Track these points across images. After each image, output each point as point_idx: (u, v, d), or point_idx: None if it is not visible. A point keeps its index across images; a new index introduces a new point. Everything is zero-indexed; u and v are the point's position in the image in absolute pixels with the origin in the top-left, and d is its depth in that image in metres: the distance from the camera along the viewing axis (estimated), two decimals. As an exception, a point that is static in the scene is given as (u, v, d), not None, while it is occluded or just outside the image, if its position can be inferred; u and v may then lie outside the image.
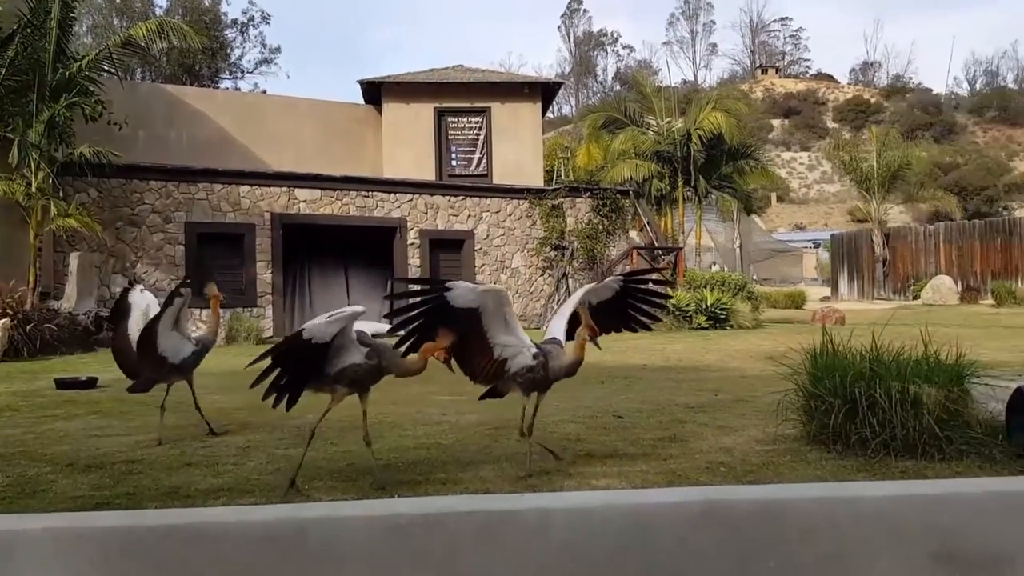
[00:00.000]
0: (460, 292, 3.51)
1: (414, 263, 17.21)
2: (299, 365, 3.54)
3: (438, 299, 3.54)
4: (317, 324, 3.51)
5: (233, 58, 42.01)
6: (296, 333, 3.56)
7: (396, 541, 2.66)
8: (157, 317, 4.64)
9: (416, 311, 3.57)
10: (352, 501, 3.21)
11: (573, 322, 3.91)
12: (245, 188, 15.91)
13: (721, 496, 2.80)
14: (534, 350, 3.74)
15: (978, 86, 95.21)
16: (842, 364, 4.01)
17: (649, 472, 3.64)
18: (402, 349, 3.66)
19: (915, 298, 27.22)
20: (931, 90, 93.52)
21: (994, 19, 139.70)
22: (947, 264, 30.37)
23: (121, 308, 5.07)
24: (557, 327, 4.00)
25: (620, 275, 4.27)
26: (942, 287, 25.56)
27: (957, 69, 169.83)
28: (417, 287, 3.92)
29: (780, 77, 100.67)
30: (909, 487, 3.02)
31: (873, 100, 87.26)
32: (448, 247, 17.67)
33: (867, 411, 3.82)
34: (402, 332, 3.66)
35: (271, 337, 14.81)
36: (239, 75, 42.17)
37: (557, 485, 3.47)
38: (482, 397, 4.00)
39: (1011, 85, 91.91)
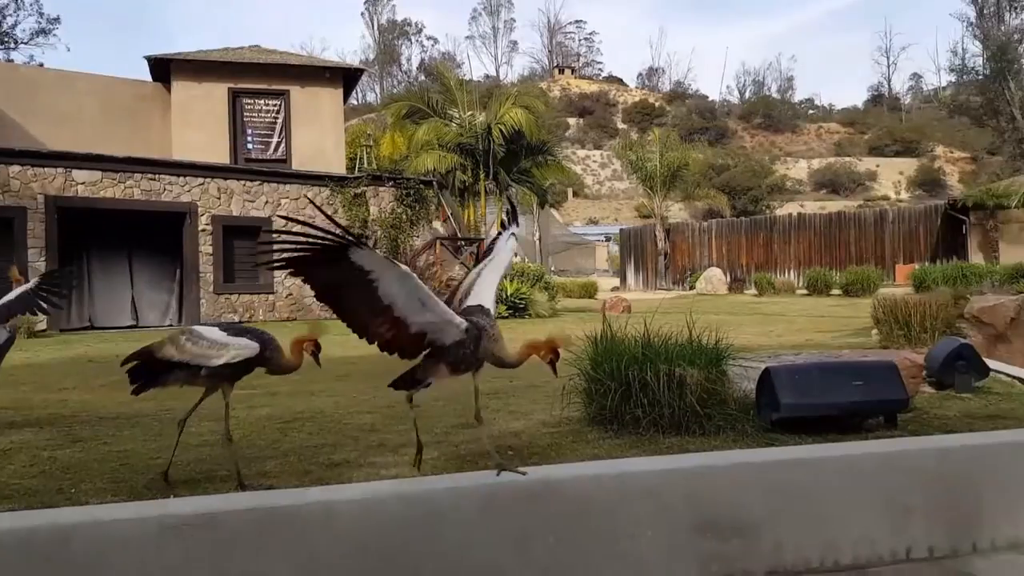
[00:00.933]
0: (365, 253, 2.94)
1: (206, 251, 16.29)
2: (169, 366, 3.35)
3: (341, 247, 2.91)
4: (203, 354, 3.28)
5: (5, 27, 37.32)
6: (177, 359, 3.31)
7: (169, 543, 2.55)
8: None
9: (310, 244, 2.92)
10: (120, 503, 3.01)
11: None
12: (16, 168, 14.47)
13: (503, 480, 2.93)
14: (464, 324, 3.15)
15: (747, 94, 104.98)
16: (618, 350, 4.33)
17: (440, 459, 3.72)
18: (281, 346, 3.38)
19: (691, 288, 29.66)
20: (707, 97, 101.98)
21: (762, 32, 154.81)
22: (718, 257, 33.36)
23: None
24: (487, 294, 3.38)
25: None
26: (713, 278, 28.04)
27: (730, 78, 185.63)
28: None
29: (576, 78, 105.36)
30: (670, 462, 3.32)
31: (657, 104, 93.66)
32: (243, 234, 16.89)
33: (639, 392, 4.16)
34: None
35: (45, 331, 13.43)
36: (12, 46, 37.56)
37: (345, 477, 3.45)
38: (394, 385, 3.60)
39: (775, 95, 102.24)
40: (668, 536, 3.10)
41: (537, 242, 42.59)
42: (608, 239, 55.68)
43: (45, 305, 4.72)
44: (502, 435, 4.28)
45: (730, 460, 3.37)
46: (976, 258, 25.10)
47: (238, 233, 16.81)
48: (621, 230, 41.74)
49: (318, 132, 20.41)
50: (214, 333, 3.35)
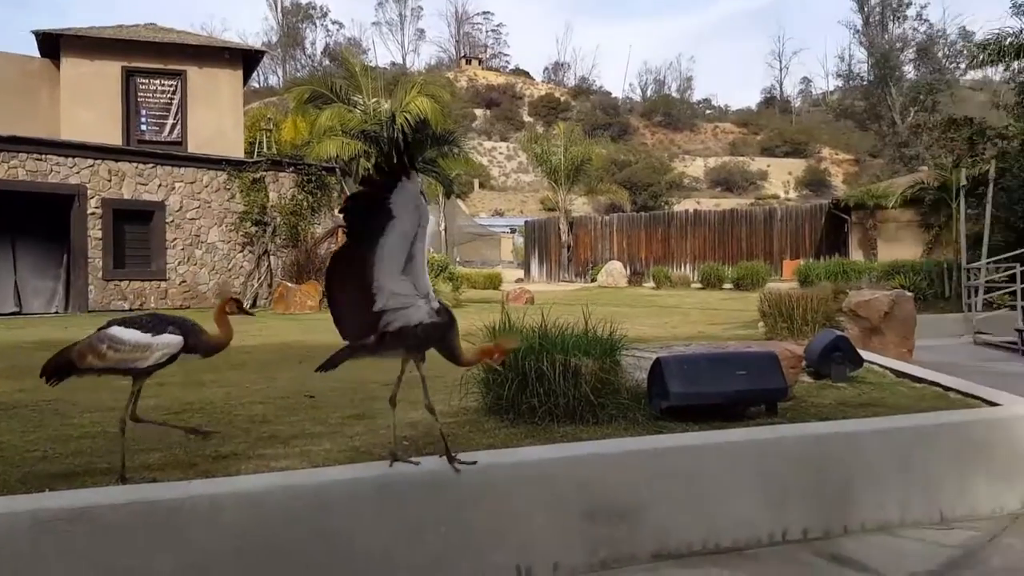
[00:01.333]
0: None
1: (95, 235, 15.52)
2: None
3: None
4: (127, 358, 3.15)
5: None
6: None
7: (42, 538, 2.43)
8: None
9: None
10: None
11: None
12: None
13: (396, 470, 2.93)
14: (437, 305, 3.03)
15: (648, 93, 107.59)
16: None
17: (333, 451, 3.67)
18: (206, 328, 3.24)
19: (592, 280, 30.22)
20: (611, 93, 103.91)
21: (663, 32, 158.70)
22: (619, 251, 34.11)
23: None
24: (424, 278, 3.08)
25: None
26: (614, 271, 28.66)
27: (632, 76, 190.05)
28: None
29: (483, 69, 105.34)
30: (562, 450, 3.39)
31: (563, 99, 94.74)
32: (135, 219, 16.22)
33: (536, 382, 4.22)
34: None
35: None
36: None
37: (233, 469, 3.36)
38: (321, 368, 3.28)
39: (674, 94, 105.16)
40: (559, 522, 3.18)
41: (443, 232, 42.48)
42: (513, 231, 56.04)
43: None
44: (399, 425, 4.26)
45: (619, 448, 3.47)
46: (856, 255, 26.57)
47: (129, 217, 16.11)
48: (526, 222, 42.08)
49: (216, 115, 19.74)
50: (133, 335, 3.16)
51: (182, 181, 16.77)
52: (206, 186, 17.11)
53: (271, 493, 2.77)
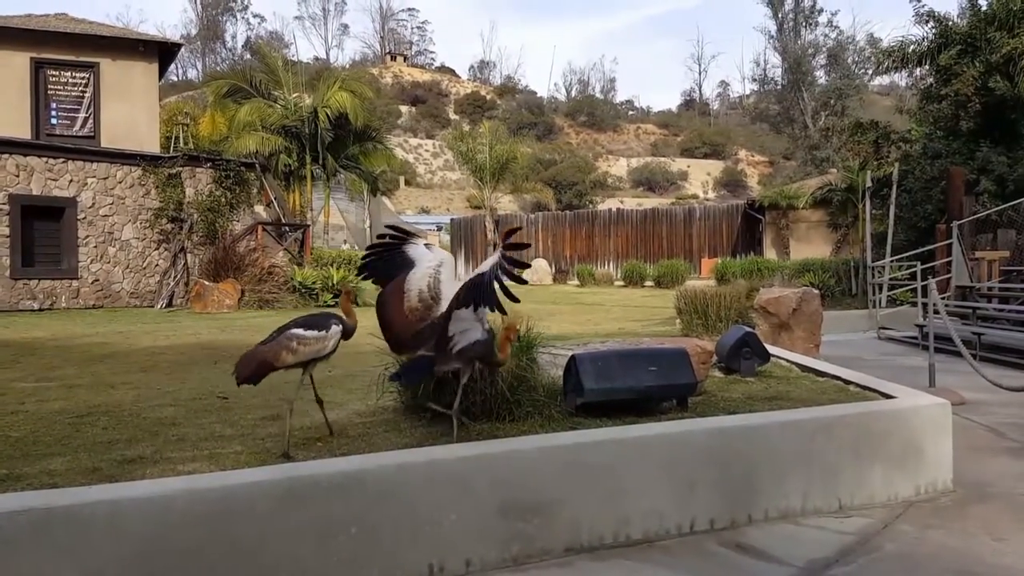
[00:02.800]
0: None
1: (2, 232, 14.84)
2: None
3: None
4: (316, 349, 3.88)
5: None
6: None
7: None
8: None
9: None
10: None
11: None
12: None
13: (305, 472, 2.90)
14: (487, 325, 3.67)
15: (572, 93, 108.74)
16: (432, 339, 4.37)
17: (243, 453, 3.61)
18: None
19: (519, 278, 30.37)
20: (536, 93, 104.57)
21: (587, 33, 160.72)
22: (544, 249, 34.41)
23: None
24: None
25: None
26: (540, 269, 28.90)
27: (557, 76, 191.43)
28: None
29: (408, 66, 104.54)
30: (475, 448, 3.41)
31: (488, 97, 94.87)
32: (45, 215, 15.54)
33: (452, 380, 4.21)
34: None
35: None
36: None
37: (139, 474, 3.27)
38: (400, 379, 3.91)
39: (598, 95, 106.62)
40: (472, 520, 3.20)
41: (368, 230, 42.01)
42: (440, 228, 55.82)
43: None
44: (314, 426, 4.21)
45: (532, 445, 3.52)
46: (770, 254, 27.51)
47: (39, 214, 15.42)
48: (452, 220, 42.00)
49: (130, 108, 19.07)
50: (313, 332, 3.81)
51: (95, 176, 16.14)
52: (120, 182, 16.52)
53: (175, 498, 2.70)
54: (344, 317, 3.92)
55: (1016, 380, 6.84)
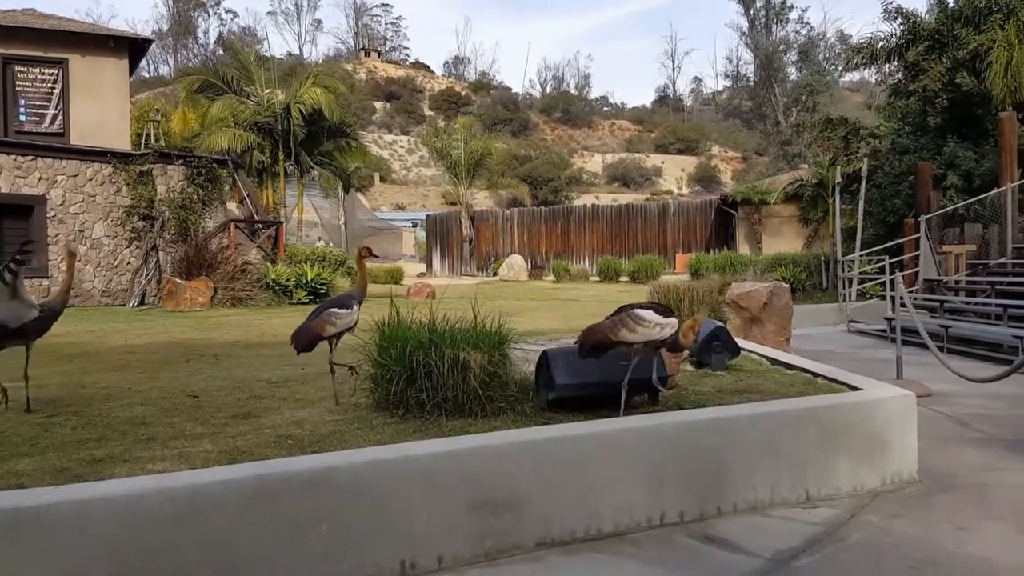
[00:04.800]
0: None
1: (-31, 229, 14.55)
2: None
3: None
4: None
5: None
6: None
7: None
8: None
9: None
10: None
11: None
12: None
13: (275, 469, 2.90)
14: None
15: (547, 89, 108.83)
16: (404, 335, 4.38)
17: (213, 452, 3.59)
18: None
19: (494, 274, 30.43)
20: (511, 89, 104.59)
21: (562, 30, 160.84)
22: (520, 245, 34.47)
23: None
24: None
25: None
26: (515, 265, 28.95)
27: (532, 72, 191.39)
28: None
29: (382, 61, 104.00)
30: (447, 444, 3.43)
31: (463, 93, 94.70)
32: (14, 213, 15.30)
33: (424, 377, 4.24)
34: None
35: None
36: None
37: (107, 473, 3.24)
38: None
39: (573, 91, 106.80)
40: (444, 515, 3.22)
41: (343, 227, 41.77)
42: (415, 225, 55.66)
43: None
44: (284, 424, 4.20)
45: (504, 440, 3.53)
46: (743, 248, 27.79)
47: (8, 212, 15.17)
48: (427, 216, 41.90)
49: (100, 105, 18.83)
50: (343, 310, 4.60)
51: (64, 174, 15.92)
52: (90, 179, 16.30)
53: (144, 497, 2.69)
54: (357, 292, 4.77)
55: (982, 372, 6.97)
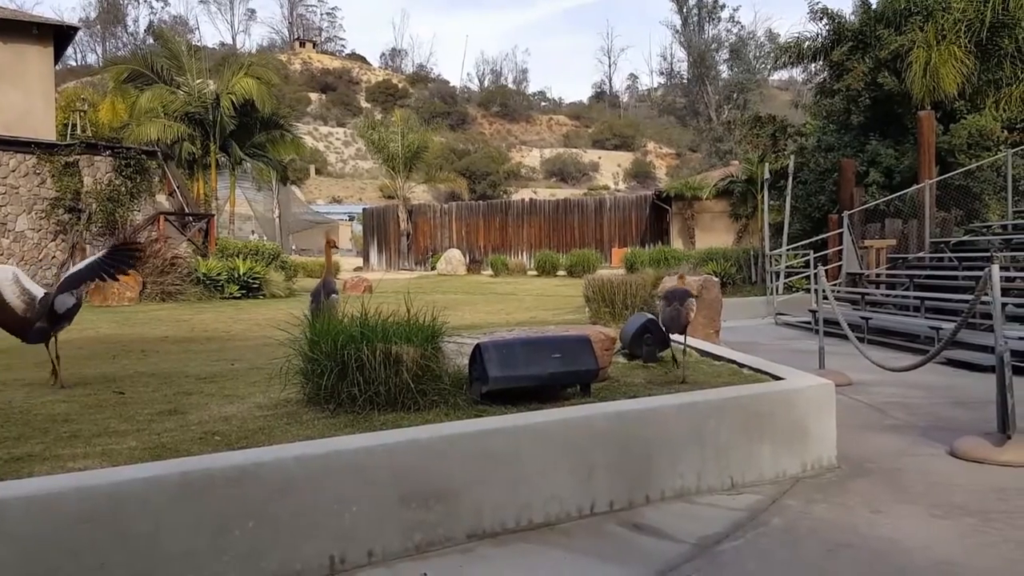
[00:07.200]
0: None
1: None
2: None
3: None
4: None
5: None
6: None
7: None
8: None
9: None
10: None
11: None
12: None
13: (200, 466, 2.86)
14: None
15: (485, 83, 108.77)
16: (335, 329, 4.35)
17: (137, 448, 3.51)
18: None
19: (432, 269, 30.32)
20: (448, 82, 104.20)
21: (500, 24, 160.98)
22: (458, 239, 34.40)
23: None
24: None
25: None
26: (453, 259, 28.89)
27: (470, 65, 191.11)
28: None
29: (318, 52, 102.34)
30: (376, 438, 3.42)
31: (400, 85, 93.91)
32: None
33: (356, 371, 4.21)
34: None
35: None
36: None
37: (26, 472, 3.14)
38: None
39: (511, 85, 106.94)
40: (374, 509, 3.21)
41: (277, 219, 40.99)
42: (352, 218, 55.00)
43: (111, 273, 5.25)
44: (212, 420, 4.13)
45: (435, 433, 3.55)
46: (677, 243, 28.31)
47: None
48: (364, 210, 41.46)
49: (24, 94, 18.12)
50: (336, 293, 5.54)
51: (-18, 165, 15.29)
52: (13, 171, 15.69)
53: (63, 495, 2.62)
54: (331, 278, 5.62)
55: (899, 361, 7.27)
